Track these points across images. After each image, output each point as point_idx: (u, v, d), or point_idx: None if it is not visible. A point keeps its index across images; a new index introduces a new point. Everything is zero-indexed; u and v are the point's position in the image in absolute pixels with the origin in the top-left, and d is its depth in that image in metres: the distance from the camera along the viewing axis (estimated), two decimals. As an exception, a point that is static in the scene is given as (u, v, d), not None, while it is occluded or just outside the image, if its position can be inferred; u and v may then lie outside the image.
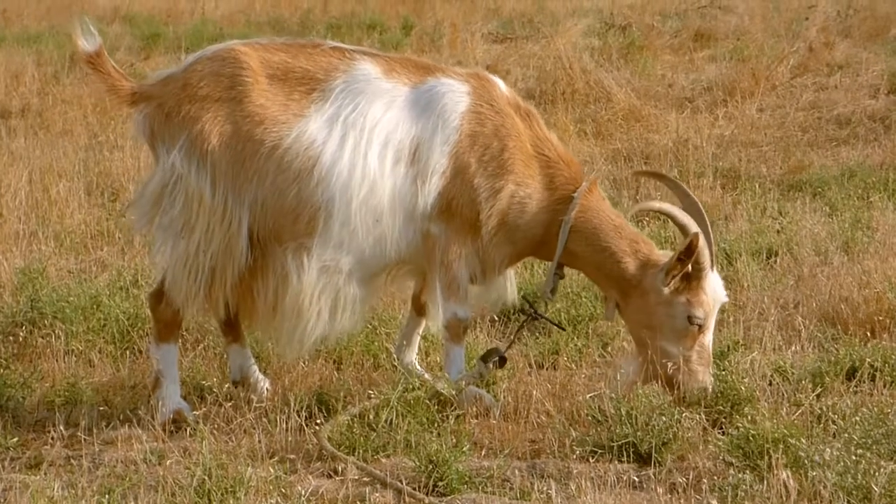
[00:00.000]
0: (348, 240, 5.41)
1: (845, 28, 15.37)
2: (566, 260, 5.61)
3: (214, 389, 5.54)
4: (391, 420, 5.21)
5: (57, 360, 6.14)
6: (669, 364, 5.38)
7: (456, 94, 5.52)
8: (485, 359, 5.64)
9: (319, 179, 5.36)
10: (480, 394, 5.58)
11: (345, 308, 5.51)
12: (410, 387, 5.32)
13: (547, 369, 6.06)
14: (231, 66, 5.44)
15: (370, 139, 5.40)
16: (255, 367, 5.82)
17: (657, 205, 5.82)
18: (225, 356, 5.95)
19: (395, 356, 5.89)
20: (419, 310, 5.91)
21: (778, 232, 7.85)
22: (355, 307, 5.54)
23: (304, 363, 5.94)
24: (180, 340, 6.33)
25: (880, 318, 6.33)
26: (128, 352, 6.29)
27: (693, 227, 5.39)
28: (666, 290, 5.40)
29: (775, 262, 7.43)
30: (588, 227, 5.53)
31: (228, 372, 5.84)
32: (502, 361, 5.69)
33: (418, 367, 5.87)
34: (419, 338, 5.99)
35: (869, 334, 6.21)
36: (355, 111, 5.42)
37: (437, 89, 5.52)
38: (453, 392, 5.41)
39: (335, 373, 5.89)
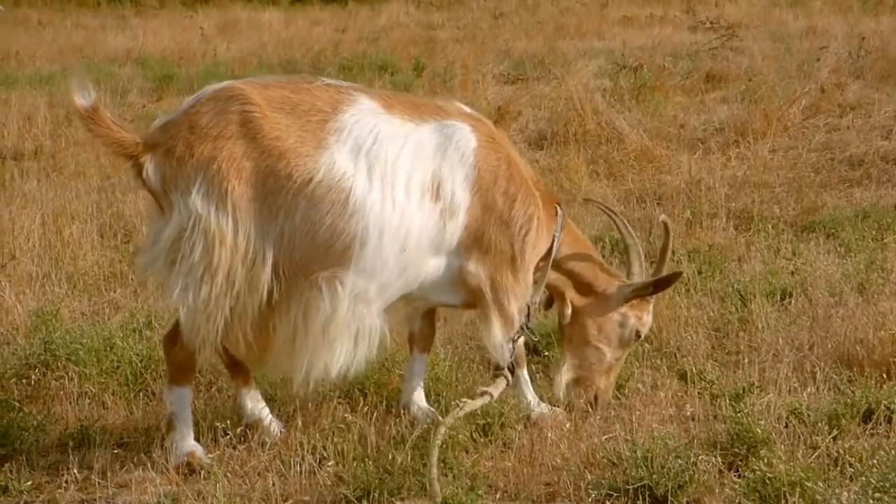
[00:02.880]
0: (379, 268, 5.43)
1: (857, 69, 15.39)
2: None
3: (228, 432, 5.52)
4: (406, 462, 5.20)
5: (70, 403, 6.13)
6: (596, 366, 6.03)
7: (464, 132, 5.64)
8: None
9: (353, 210, 5.34)
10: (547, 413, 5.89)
11: (365, 337, 5.53)
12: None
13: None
14: (238, 104, 5.36)
15: (395, 172, 5.43)
16: (267, 410, 5.81)
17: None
18: (237, 400, 5.93)
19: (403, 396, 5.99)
20: (422, 347, 6.03)
21: (792, 273, 7.82)
22: (373, 337, 5.56)
23: (312, 405, 5.91)
24: (194, 382, 6.35)
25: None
26: (141, 394, 6.27)
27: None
28: (624, 305, 6.02)
29: (790, 303, 7.41)
30: (570, 238, 6.03)
31: (242, 416, 5.83)
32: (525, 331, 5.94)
33: (424, 403, 5.88)
34: (423, 374, 6.06)
35: (885, 376, 6.18)
36: (375, 143, 5.44)
37: (446, 129, 5.61)
38: (533, 408, 5.89)
39: (348, 415, 5.86)
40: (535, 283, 5.90)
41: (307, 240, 5.34)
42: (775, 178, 10.62)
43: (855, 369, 6.31)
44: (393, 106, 5.58)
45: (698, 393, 6.15)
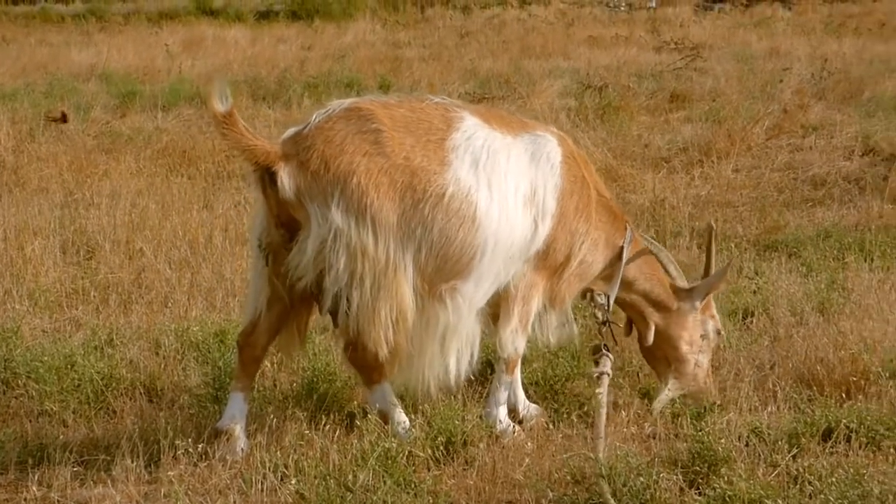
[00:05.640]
0: (486, 275, 5.69)
1: (820, 90, 15.50)
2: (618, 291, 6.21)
3: (189, 450, 5.49)
4: (368, 480, 5.19)
5: (30, 421, 6.10)
6: (700, 374, 6.28)
7: (552, 144, 5.95)
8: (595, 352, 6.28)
9: (479, 223, 5.58)
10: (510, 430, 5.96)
11: (470, 342, 5.79)
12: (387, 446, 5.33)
13: (524, 428, 6.05)
14: (371, 122, 5.55)
15: (507, 183, 5.69)
16: (244, 425, 5.78)
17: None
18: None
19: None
20: None
21: (754, 292, 7.86)
22: (475, 342, 5.82)
23: (277, 420, 5.89)
24: (155, 400, 6.34)
25: (855, 378, 6.33)
26: (102, 412, 6.24)
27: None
28: (698, 311, 6.31)
29: (751, 322, 7.44)
30: (639, 257, 6.26)
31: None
32: (596, 351, 6.29)
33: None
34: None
35: (844, 395, 6.20)
36: (488, 158, 5.68)
37: (538, 140, 5.93)
38: (498, 423, 5.95)
39: (309, 432, 5.84)
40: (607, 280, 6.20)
41: (443, 253, 5.56)
42: (738, 197, 10.68)
43: (815, 388, 6.35)
44: (490, 120, 5.83)
45: (660, 411, 6.17)
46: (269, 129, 12.96)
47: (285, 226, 5.58)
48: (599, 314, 6.26)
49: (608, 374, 6.13)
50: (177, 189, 10.73)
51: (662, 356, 6.33)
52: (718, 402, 6.13)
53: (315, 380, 6.27)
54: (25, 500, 5.29)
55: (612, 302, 6.21)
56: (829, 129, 13.32)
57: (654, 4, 31.40)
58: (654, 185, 10.79)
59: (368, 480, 5.20)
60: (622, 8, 31.33)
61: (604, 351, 6.20)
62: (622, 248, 6.15)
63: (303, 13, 29.70)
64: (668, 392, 6.22)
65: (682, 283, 6.39)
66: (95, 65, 19.37)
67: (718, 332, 6.41)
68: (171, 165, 11.87)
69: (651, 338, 6.27)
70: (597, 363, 6.21)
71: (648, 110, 14.73)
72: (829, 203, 10.63)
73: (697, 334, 6.30)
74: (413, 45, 23.33)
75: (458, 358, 5.75)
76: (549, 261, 5.92)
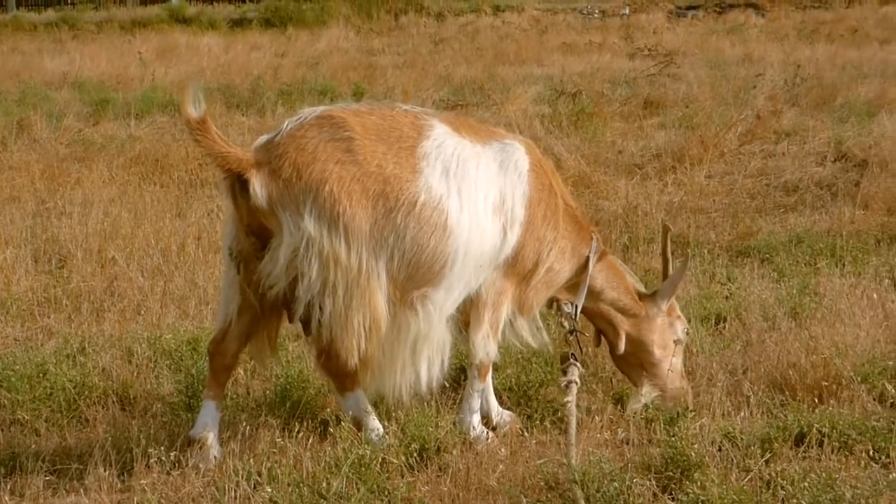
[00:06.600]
0: (457, 283, 5.71)
1: (792, 96, 15.55)
2: (586, 301, 6.25)
3: (162, 458, 5.48)
4: (341, 488, 5.18)
5: (2, 430, 6.08)
6: (674, 375, 6.30)
7: (520, 152, 5.98)
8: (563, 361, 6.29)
9: (450, 231, 5.60)
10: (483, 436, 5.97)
11: (441, 350, 5.80)
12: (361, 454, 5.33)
13: (497, 434, 6.05)
14: (344, 130, 5.55)
15: (477, 191, 5.71)
16: (216, 433, 5.77)
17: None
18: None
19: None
20: None
21: (726, 298, 7.88)
22: (446, 348, 5.83)
23: (250, 428, 5.88)
24: (128, 408, 6.33)
25: (827, 383, 6.35)
26: (74, 420, 6.22)
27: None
28: (665, 314, 6.36)
29: (724, 327, 7.46)
30: (606, 265, 6.32)
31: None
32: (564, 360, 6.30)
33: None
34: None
35: (816, 400, 6.23)
36: (458, 166, 5.70)
37: (506, 149, 5.96)
38: (471, 430, 5.96)
39: (282, 440, 5.83)
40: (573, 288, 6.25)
41: (415, 261, 5.58)
42: (711, 203, 10.69)
43: (787, 393, 6.36)
44: (459, 128, 5.85)
45: (635, 413, 6.18)
46: (243, 136, 12.94)
47: (256, 234, 5.57)
48: (566, 323, 6.30)
49: (576, 383, 6.15)
50: (149, 197, 10.71)
51: (637, 363, 6.36)
52: (691, 408, 6.14)
53: (288, 387, 6.27)
54: (-3, 509, 5.28)
55: (579, 311, 6.24)
56: (802, 134, 13.36)
57: (627, 11, 31.47)
58: (627, 191, 10.81)
59: (342, 488, 5.20)
60: (595, 15, 31.40)
61: (571, 360, 6.23)
62: (588, 257, 6.19)
63: (276, 20, 29.66)
64: (644, 395, 6.25)
65: (642, 288, 6.45)
66: (68, 73, 19.30)
67: (687, 332, 6.50)
68: (143, 174, 11.84)
69: (623, 346, 6.30)
70: (565, 372, 6.22)
71: (622, 117, 14.75)
72: (802, 209, 10.67)
73: (668, 336, 6.34)
74: (387, 52, 23.34)
75: (430, 365, 5.75)
76: (518, 268, 5.95)
